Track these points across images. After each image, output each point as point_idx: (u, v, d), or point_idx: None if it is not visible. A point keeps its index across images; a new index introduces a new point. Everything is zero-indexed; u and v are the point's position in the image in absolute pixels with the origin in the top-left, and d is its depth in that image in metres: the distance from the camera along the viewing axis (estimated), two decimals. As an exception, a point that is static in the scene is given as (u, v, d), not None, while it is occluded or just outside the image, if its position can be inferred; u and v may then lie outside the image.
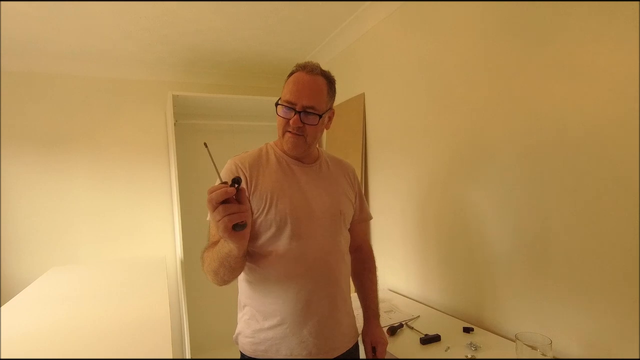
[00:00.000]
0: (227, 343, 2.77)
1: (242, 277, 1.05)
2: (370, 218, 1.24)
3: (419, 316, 1.51)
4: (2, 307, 1.35)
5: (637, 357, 0.91)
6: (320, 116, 0.98)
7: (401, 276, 1.86)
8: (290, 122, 0.97)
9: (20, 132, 2.39)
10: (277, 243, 0.96)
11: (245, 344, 1.02)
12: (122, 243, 2.62)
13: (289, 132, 0.99)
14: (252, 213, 0.95)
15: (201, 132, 2.83)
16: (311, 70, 0.98)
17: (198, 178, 2.82)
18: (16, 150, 2.39)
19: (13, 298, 1.46)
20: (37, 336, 1.10)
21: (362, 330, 1.15)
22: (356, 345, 1.13)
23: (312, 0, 1.82)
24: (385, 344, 1.11)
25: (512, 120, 1.25)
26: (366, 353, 1.11)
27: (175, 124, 2.38)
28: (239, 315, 1.07)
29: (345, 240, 1.08)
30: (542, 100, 1.14)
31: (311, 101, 0.96)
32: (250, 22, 2.04)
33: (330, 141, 2.48)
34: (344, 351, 1.05)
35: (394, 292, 1.88)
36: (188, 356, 2.24)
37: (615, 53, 0.95)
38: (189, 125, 2.70)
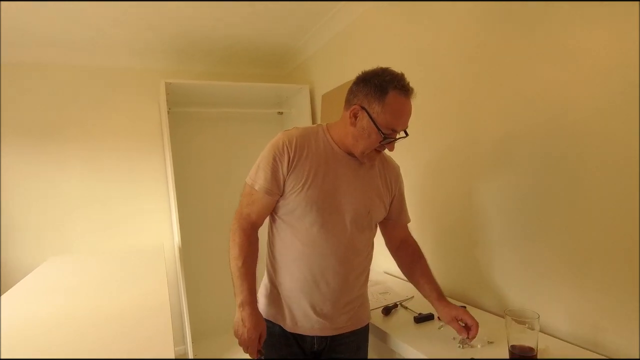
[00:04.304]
0: (227, 328, 2.81)
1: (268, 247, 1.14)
2: (408, 221, 1.24)
3: (412, 297, 1.54)
4: (1, 297, 1.37)
5: (636, 356, 0.95)
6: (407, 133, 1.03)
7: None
8: (388, 148, 1.02)
9: (12, 123, 2.38)
10: (299, 224, 1.03)
11: (261, 307, 1.11)
12: (119, 232, 2.64)
13: (377, 150, 1.02)
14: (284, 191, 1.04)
15: (195, 120, 2.82)
16: (409, 92, 0.97)
17: (193, 165, 2.82)
18: (9, 142, 2.38)
19: (12, 287, 1.48)
20: (37, 325, 1.12)
21: (439, 311, 1.11)
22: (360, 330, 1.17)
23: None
24: (477, 323, 1.04)
25: (507, 107, 1.25)
26: (458, 331, 1.06)
27: (168, 112, 2.37)
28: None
29: (366, 238, 1.12)
30: (539, 86, 1.14)
31: (407, 125, 1.01)
32: (240, 7, 2.01)
33: (325, 127, 2.48)
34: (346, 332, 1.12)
35: (389, 274, 1.91)
36: (189, 342, 2.28)
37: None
38: (183, 113, 2.69)
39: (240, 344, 1.01)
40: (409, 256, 1.21)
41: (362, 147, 1.01)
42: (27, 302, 1.33)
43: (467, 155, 1.43)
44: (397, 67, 1.82)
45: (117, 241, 2.64)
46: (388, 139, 0.98)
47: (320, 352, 1.13)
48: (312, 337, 1.10)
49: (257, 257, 1.08)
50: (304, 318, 1.08)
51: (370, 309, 1.40)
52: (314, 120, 2.67)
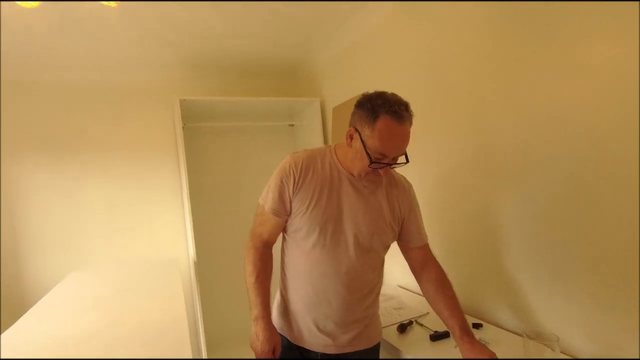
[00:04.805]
0: (242, 341, 2.83)
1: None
2: (424, 242, 1.18)
3: (427, 313, 1.53)
4: (27, 313, 1.41)
5: (638, 357, 0.93)
6: (407, 158, 1.02)
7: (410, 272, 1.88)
8: (382, 172, 1.00)
9: (33, 138, 2.47)
10: (303, 243, 1.07)
11: (274, 318, 1.15)
12: (135, 244, 2.69)
13: (378, 175, 1.02)
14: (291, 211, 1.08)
15: (208, 134, 2.87)
16: (404, 118, 0.95)
17: (207, 178, 2.87)
18: (30, 156, 2.46)
19: (36, 304, 1.52)
20: (59, 342, 1.14)
21: (462, 351, 1.01)
22: (369, 350, 1.16)
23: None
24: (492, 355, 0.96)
25: (519, 118, 1.25)
26: None
27: (183, 127, 2.42)
28: None
29: (372, 260, 1.11)
30: (550, 97, 1.14)
31: (403, 150, 0.99)
32: (251, 23, 2.05)
33: (335, 141, 2.49)
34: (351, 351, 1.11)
35: (403, 288, 1.91)
36: (204, 355, 2.30)
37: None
38: (197, 127, 2.74)
39: (256, 356, 1.06)
40: (432, 284, 1.14)
41: (357, 169, 1.03)
42: (51, 319, 1.36)
43: (481, 167, 1.42)
44: (407, 80, 1.84)
45: (133, 253, 2.69)
46: (378, 163, 0.98)
47: None
48: (317, 353, 1.11)
49: (270, 273, 1.12)
50: (308, 333, 1.10)
51: (385, 325, 1.40)
52: (324, 133, 2.70)
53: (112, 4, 1.26)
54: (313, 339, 1.10)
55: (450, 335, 1.12)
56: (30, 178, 2.46)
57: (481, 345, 0.99)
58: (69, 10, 1.72)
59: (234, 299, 2.71)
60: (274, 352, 1.05)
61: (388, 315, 1.55)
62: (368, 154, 0.96)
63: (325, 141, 2.70)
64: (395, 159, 1.00)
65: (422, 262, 1.17)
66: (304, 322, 1.10)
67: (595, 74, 1.01)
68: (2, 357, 1.03)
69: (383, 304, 1.66)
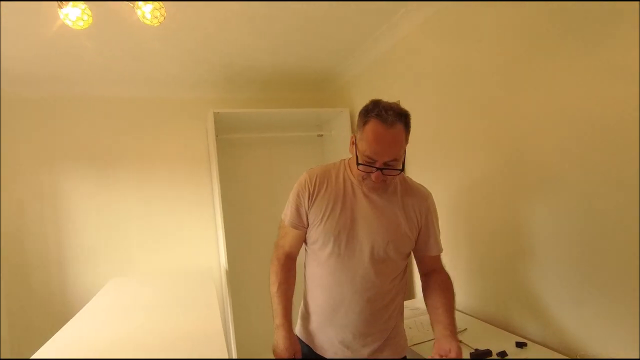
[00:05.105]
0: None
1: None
2: (437, 253, 1.16)
3: (466, 329, 1.47)
4: (72, 319, 1.47)
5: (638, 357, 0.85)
6: (403, 165, 1.02)
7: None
8: (372, 177, 1.00)
9: (74, 151, 2.60)
10: (320, 254, 1.11)
11: (297, 327, 1.21)
12: (169, 253, 2.77)
13: (372, 181, 1.02)
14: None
15: (241, 145, 2.94)
16: (392, 122, 0.96)
17: (239, 190, 2.92)
18: (77, 169, 2.60)
19: (80, 310, 1.59)
20: (99, 349, 1.19)
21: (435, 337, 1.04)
22: None
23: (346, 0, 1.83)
24: (453, 353, 0.96)
25: (558, 126, 1.20)
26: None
27: (216, 138, 2.49)
28: None
29: (390, 270, 1.10)
30: (590, 104, 1.09)
31: (392, 156, 0.98)
32: (282, 38, 2.09)
33: (367, 149, 2.48)
34: None
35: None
36: (236, 363, 2.32)
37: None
38: (229, 139, 2.81)
39: None
40: (436, 286, 1.12)
41: (355, 174, 1.08)
42: (93, 325, 1.42)
43: (514, 176, 1.37)
44: (437, 89, 1.82)
45: (167, 262, 2.77)
46: (367, 166, 0.99)
47: None
48: None
49: (293, 283, 1.17)
50: (328, 344, 1.12)
51: (419, 341, 1.37)
52: (354, 142, 2.69)
53: (155, 22, 1.32)
54: (332, 349, 1.11)
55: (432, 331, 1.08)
56: (75, 189, 2.59)
57: (447, 341, 0.98)
58: (115, 31, 1.82)
59: (264, 307, 2.72)
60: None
61: (423, 330, 1.50)
62: (357, 157, 1.01)
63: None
64: (388, 164, 0.98)
65: (432, 268, 1.18)
66: (324, 332, 1.12)
67: (632, 77, 0.95)
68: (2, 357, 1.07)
69: (418, 318, 1.62)
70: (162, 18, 1.33)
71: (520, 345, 1.29)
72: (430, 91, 1.84)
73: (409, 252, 1.15)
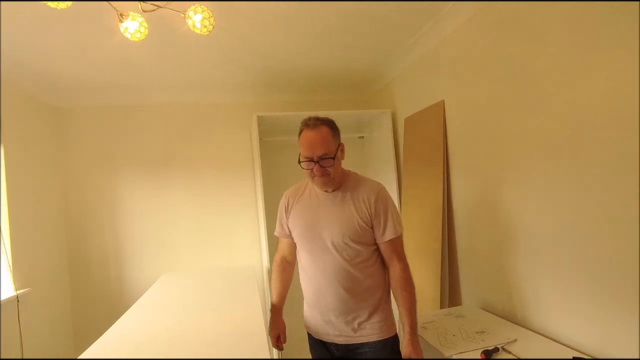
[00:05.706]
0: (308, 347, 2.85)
1: None
2: (392, 237, 1.28)
3: (516, 340, 1.39)
4: (125, 314, 1.57)
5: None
6: (334, 157, 1.24)
7: (495, 294, 1.74)
8: (314, 170, 1.24)
9: (129, 154, 2.81)
10: (301, 253, 1.39)
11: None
12: (214, 252, 2.90)
13: (317, 176, 1.25)
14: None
15: (283, 147, 2.99)
16: (314, 125, 1.24)
17: (281, 192, 2.96)
18: (132, 172, 2.80)
19: (135, 303, 1.70)
20: (148, 342, 1.25)
21: (401, 344, 1.28)
22: (379, 343, 1.28)
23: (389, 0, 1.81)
24: (413, 356, 1.21)
25: (621, 120, 1.10)
26: None
27: (260, 141, 2.56)
28: None
29: (355, 255, 1.27)
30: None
31: (322, 150, 1.22)
32: (322, 39, 2.11)
33: (407, 152, 2.43)
34: (356, 343, 1.28)
35: (486, 311, 1.76)
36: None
37: None
38: (272, 142, 2.88)
39: None
40: (394, 281, 1.29)
41: (310, 179, 1.32)
42: (144, 318, 1.51)
43: (576, 177, 1.27)
44: (484, 86, 1.75)
45: (213, 259, 2.90)
46: (305, 162, 1.24)
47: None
48: (330, 344, 1.33)
49: (287, 277, 1.48)
50: (318, 325, 1.35)
51: (465, 350, 1.32)
52: (395, 144, 2.65)
53: (204, 31, 1.39)
54: (323, 330, 1.33)
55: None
56: (130, 191, 2.79)
57: (417, 345, 1.22)
58: (165, 41, 1.94)
59: (302, 306, 2.75)
60: (278, 339, 1.44)
61: (469, 339, 1.45)
62: (299, 158, 1.26)
63: (396, 152, 2.65)
64: (322, 158, 1.21)
65: (389, 257, 1.31)
66: (313, 315, 1.36)
67: None
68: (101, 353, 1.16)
69: (462, 325, 1.56)
70: (212, 27, 1.39)
71: (577, 360, 1.20)
72: (473, 90, 1.77)
73: (369, 239, 1.28)
